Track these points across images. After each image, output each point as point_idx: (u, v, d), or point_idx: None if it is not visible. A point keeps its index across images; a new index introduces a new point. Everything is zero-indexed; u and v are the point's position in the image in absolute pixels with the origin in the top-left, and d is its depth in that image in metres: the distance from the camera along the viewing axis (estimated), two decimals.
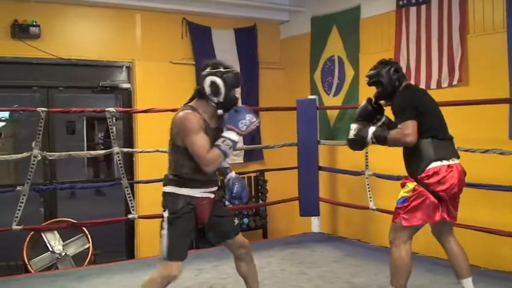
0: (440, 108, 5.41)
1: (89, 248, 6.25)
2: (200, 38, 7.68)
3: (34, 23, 6.44)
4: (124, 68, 7.31)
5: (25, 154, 5.22)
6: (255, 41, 8.19)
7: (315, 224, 7.03)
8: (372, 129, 3.79)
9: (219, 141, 3.28)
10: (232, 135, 3.29)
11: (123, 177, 5.76)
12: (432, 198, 3.60)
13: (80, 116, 7.29)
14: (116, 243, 7.30)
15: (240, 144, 7.74)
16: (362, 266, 5.45)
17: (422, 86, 6.07)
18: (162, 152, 5.30)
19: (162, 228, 3.38)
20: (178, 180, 3.39)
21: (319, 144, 6.72)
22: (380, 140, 3.77)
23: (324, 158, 6.96)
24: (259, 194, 7.83)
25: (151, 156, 6.13)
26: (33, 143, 5.24)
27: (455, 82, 5.76)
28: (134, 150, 6.68)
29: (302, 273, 5.20)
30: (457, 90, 5.71)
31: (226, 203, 3.71)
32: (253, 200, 7.77)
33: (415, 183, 3.67)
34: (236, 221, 3.66)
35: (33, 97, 6.86)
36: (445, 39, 5.88)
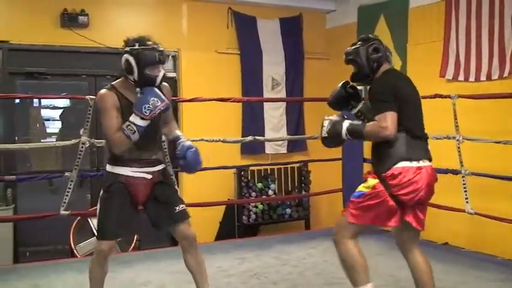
0: (490, 100, 5.33)
1: None
2: (245, 28, 7.69)
3: (83, 12, 6.57)
4: (170, 57, 7.37)
5: (74, 141, 5.31)
6: (301, 31, 8.14)
7: None
8: (346, 124, 3.35)
9: (124, 126, 3.19)
10: (136, 119, 3.19)
11: (168, 164, 5.80)
12: (391, 202, 3.18)
13: None
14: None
15: (284, 135, 7.75)
16: None
17: (472, 78, 5.94)
18: (206, 141, 5.32)
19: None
20: (111, 158, 3.38)
21: None
22: (355, 135, 3.38)
23: (368, 149, 6.86)
24: (302, 185, 7.81)
25: (196, 145, 6.15)
26: (82, 130, 5.32)
27: (506, 74, 5.61)
28: None
29: None
30: (508, 83, 5.57)
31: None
32: (296, 190, 7.75)
33: (377, 180, 3.25)
34: (178, 208, 3.43)
35: (81, 85, 6.99)
36: (496, 29, 5.72)
